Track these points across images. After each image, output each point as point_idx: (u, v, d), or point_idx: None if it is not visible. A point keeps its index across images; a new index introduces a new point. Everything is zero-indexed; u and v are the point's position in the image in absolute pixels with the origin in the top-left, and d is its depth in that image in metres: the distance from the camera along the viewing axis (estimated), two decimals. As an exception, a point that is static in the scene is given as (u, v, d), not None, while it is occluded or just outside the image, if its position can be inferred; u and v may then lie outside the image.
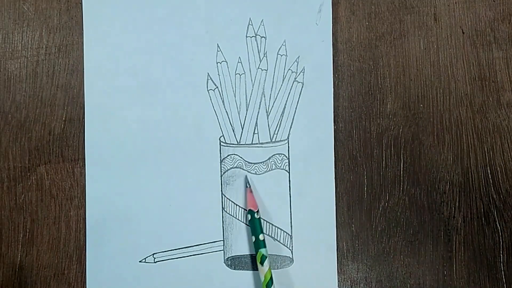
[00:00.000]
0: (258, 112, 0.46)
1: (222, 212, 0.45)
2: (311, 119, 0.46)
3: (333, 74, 0.46)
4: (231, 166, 0.45)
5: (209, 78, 0.46)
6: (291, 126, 0.46)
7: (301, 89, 0.46)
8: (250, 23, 0.46)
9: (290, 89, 0.46)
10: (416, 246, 0.46)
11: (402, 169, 0.46)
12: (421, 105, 0.46)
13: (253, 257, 0.45)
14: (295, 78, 0.46)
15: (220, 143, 0.46)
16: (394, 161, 0.46)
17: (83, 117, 0.46)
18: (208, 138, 0.46)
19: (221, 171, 0.45)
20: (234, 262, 0.45)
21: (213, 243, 0.45)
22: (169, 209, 0.45)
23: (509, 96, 0.46)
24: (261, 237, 0.43)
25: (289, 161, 0.46)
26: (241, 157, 0.45)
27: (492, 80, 0.46)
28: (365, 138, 0.46)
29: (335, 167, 0.45)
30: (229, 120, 0.46)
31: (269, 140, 0.46)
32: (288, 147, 0.46)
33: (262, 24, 0.46)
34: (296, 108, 0.46)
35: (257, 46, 0.46)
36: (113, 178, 0.45)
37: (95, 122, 0.46)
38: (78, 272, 0.45)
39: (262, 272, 0.43)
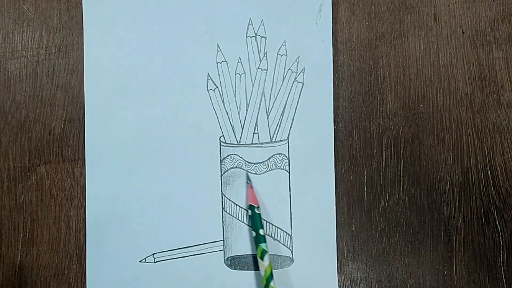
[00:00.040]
0: (258, 112, 0.46)
1: (222, 212, 0.45)
2: (311, 119, 0.46)
3: (333, 74, 0.46)
4: (231, 166, 0.45)
5: (209, 78, 0.46)
6: (291, 126, 0.46)
7: (301, 89, 0.46)
8: (250, 23, 0.46)
9: (290, 89, 0.46)
10: (416, 246, 0.46)
11: (402, 169, 0.46)
12: (421, 105, 0.46)
13: (253, 257, 0.45)
14: (295, 78, 0.46)
15: (220, 143, 0.46)
16: (394, 161, 0.46)
17: (83, 117, 0.46)
18: (208, 138, 0.46)
19: (221, 171, 0.45)
20: (234, 262, 0.45)
21: (213, 243, 0.45)
22: (169, 209, 0.45)
23: (509, 96, 0.46)
24: (261, 232, 0.43)
25: (289, 161, 0.46)
26: (241, 157, 0.45)
27: (492, 80, 0.46)
28: (365, 138, 0.46)
29: (335, 167, 0.45)
30: (229, 120, 0.46)
31: (269, 140, 0.46)
32: (288, 147, 0.46)
33: (262, 24, 0.46)
34: (296, 108, 0.46)
35: (257, 46, 0.46)
36: (113, 178, 0.45)
37: (95, 122, 0.46)
38: (78, 272, 0.45)
39: (263, 266, 0.43)
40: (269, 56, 0.46)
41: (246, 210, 0.45)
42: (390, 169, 0.46)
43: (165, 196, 0.45)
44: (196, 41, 0.46)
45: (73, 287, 0.45)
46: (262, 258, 0.43)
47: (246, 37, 0.46)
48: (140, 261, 0.45)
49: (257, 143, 0.46)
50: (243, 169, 0.45)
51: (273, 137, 0.46)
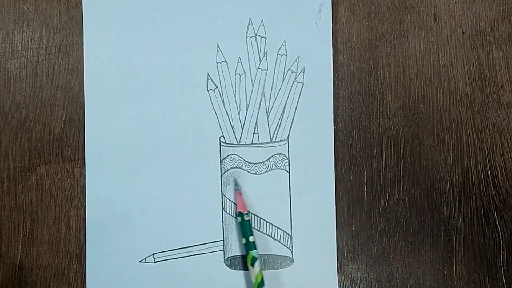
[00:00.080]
0: (258, 112, 0.46)
1: (222, 212, 0.45)
2: (311, 119, 0.46)
3: (333, 74, 0.46)
4: (231, 166, 0.45)
5: (209, 78, 0.46)
6: (291, 126, 0.46)
7: (301, 89, 0.46)
8: (250, 23, 0.46)
9: (290, 89, 0.46)
10: (416, 246, 0.46)
11: (402, 169, 0.46)
12: (421, 105, 0.46)
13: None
14: (295, 78, 0.46)
15: (220, 143, 0.46)
16: (394, 161, 0.46)
17: (83, 117, 0.46)
18: (208, 138, 0.46)
19: (221, 171, 0.45)
20: (234, 262, 0.45)
21: (213, 243, 0.45)
22: (169, 209, 0.45)
23: (509, 96, 0.46)
24: (251, 239, 0.43)
25: (289, 161, 0.46)
26: (241, 157, 0.45)
27: (492, 80, 0.46)
28: (365, 138, 0.46)
29: (335, 167, 0.45)
30: (229, 120, 0.46)
31: (269, 140, 0.46)
32: (288, 147, 0.46)
33: (262, 24, 0.46)
34: (296, 108, 0.46)
35: (257, 46, 0.46)
36: (113, 178, 0.45)
37: (95, 122, 0.46)
38: (78, 272, 0.45)
39: (254, 273, 0.43)
40: (269, 56, 0.46)
41: (236, 218, 0.45)
42: (390, 169, 0.46)
43: (165, 196, 0.45)
44: (196, 41, 0.46)
45: (73, 287, 0.45)
46: (252, 265, 0.43)
47: (246, 37, 0.46)
48: (140, 261, 0.45)
49: (257, 143, 0.46)
50: (243, 169, 0.45)
51: (273, 137, 0.46)
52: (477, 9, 0.47)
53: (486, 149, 0.46)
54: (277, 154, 0.45)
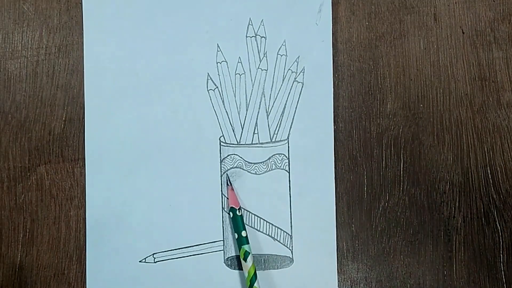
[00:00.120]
0: (258, 112, 0.46)
1: (222, 212, 0.45)
2: (311, 119, 0.46)
3: (333, 74, 0.46)
4: (231, 166, 0.45)
5: (209, 78, 0.46)
6: (291, 126, 0.46)
7: (301, 89, 0.46)
8: (250, 23, 0.46)
9: (290, 89, 0.46)
10: (416, 246, 0.46)
11: (402, 169, 0.46)
12: (421, 105, 0.46)
13: (253, 257, 0.45)
14: (295, 78, 0.46)
15: (220, 143, 0.46)
16: (394, 161, 0.46)
17: (83, 117, 0.46)
18: (208, 138, 0.46)
19: (221, 171, 0.45)
20: (234, 262, 0.45)
21: (213, 243, 0.45)
22: (169, 209, 0.45)
23: (509, 96, 0.46)
24: (243, 233, 0.43)
25: (289, 161, 0.46)
26: (241, 157, 0.45)
27: (492, 80, 0.46)
28: (365, 138, 0.46)
29: (335, 167, 0.45)
30: (229, 120, 0.46)
31: (269, 140, 0.46)
32: (288, 147, 0.46)
33: (262, 24, 0.46)
34: (296, 108, 0.46)
35: (257, 46, 0.46)
36: (113, 178, 0.45)
37: (95, 122, 0.46)
38: (78, 272, 0.45)
39: (246, 268, 0.43)
40: (269, 56, 0.46)
41: (228, 213, 0.45)
42: (390, 169, 0.46)
43: (165, 196, 0.45)
44: (196, 41, 0.46)
45: (73, 287, 0.45)
46: (245, 260, 0.43)
47: (246, 37, 0.46)
48: (140, 261, 0.45)
49: (257, 143, 0.46)
50: (243, 169, 0.45)
51: (273, 137, 0.46)
52: (477, 9, 0.47)
53: (486, 149, 0.46)
54: (277, 154, 0.45)
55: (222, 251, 0.45)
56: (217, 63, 0.46)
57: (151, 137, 0.46)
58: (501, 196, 0.46)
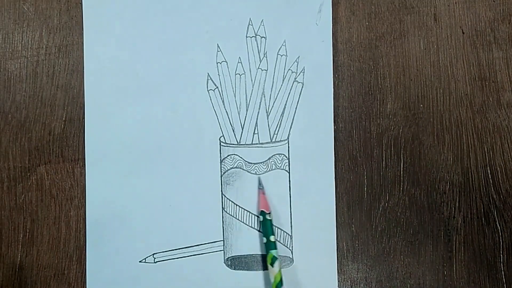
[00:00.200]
0: (258, 112, 0.46)
1: (222, 212, 0.45)
2: (311, 119, 0.46)
3: (333, 74, 0.46)
4: (231, 166, 0.45)
5: (209, 78, 0.46)
6: (291, 126, 0.46)
7: (301, 89, 0.46)
8: (250, 23, 0.46)
9: (290, 89, 0.46)
10: (416, 246, 0.46)
11: (402, 169, 0.46)
12: (421, 105, 0.46)
13: (253, 257, 0.45)
14: (295, 78, 0.46)
15: (220, 143, 0.46)
16: (394, 161, 0.46)
17: (83, 117, 0.46)
18: (208, 138, 0.46)
19: (221, 171, 0.45)
20: (234, 262, 0.45)
21: (213, 243, 0.45)
22: (169, 209, 0.45)
23: (509, 96, 0.46)
24: (272, 238, 0.43)
25: (289, 161, 0.46)
26: (241, 157, 0.45)
27: (492, 80, 0.46)
28: (365, 138, 0.46)
29: (335, 167, 0.45)
30: (229, 120, 0.46)
31: (269, 140, 0.46)
32: (288, 147, 0.46)
33: (262, 24, 0.46)
34: (296, 108, 0.46)
35: (257, 46, 0.46)
36: (113, 178, 0.45)
37: (95, 122, 0.46)
38: (78, 272, 0.45)
39: (273, 273, 0.43)
40: (269, 56, 0.46)
41: (258, 216, 0.45)
42: (390, 169, 0.46)
43: (165, 196, 0.45)
44: (196, 41, 0.46)
45: (73, 287, 0.45)
46: (272, 265, 0.43)
47: (246, 37, 0.46)
48: (140, 261, 0.45)
49: (257, 143, 0.46)
50: (243, 169, 0.45)
51: (273, 137, 0.46)
52: (477, 9, 0.47)
53: (486, 149, 0.46)
54: (277, 154, 0.45)
55: (222, 251, 0.45)
56: (217, 63, 0.46)
57: (151, 137, 0.46)
58: (501, 196, 0.46)
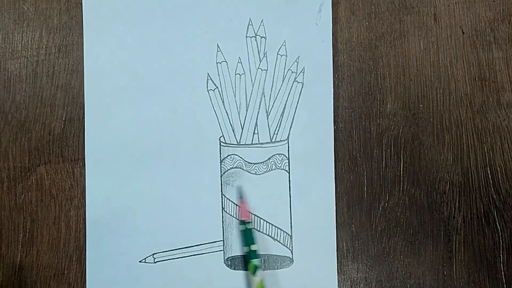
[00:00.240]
0: (258, 112, 0.46)
1: (222, 212, 0.45)
2: (311, 119, 0.46)
3: (333, 74, 0.46)
4: (231, 166, 0.45)
5: (209, 78, 0.46)
6: (291, 126, 0.46)
7: (301, 89, 0.46)
8: (250, 23, 0.46)
9: (290, 89, 0.46)
10: (416, 246, 0.46)
11: (402, 169, 0.46)
12: (421, 105, 0.46)
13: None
14: (295, 78, 0.46)
15: (220, 143, 0.46)
16: (394, 161, 0.46)
17: (83, 117, 0.46)
18: (208, 138, 0.46)
19: (221, 171, 0.45)
20: (234, 262, 0.45)
21: (213, 243, 0.45)
22: (169, 209, 0.45)
23: (509, 96, 0.46)
24: (253, 247, 0.43)
25: (289, 161, 0.46)
26: (241, 157, 0.45)
27: (492, 80, 0.46)
28: (365, 138, 0.46)
29: (335, 167, 0.45)
30: (229, 120, 0.46)
31: (269, 140, 0.46)
32: (288, 147, 0.46)
33: (262, 24, 0.46)
34: (296, 108, 0.46)
35: (257, 46, 0.46)
36: (113, 178, 0.45)
37: (95, 122, 0.46)
38: (78, 272, 0.45)
39: (255, 282, 0.43)
40: (269, 56, 0.46)
41: (238, 223, 0.45)
42: (390, 169, 0.46)
43: (165, 196, 0.45)
44: (196, 41, 0.46)
45: (73, 287, 0.45)
46: (254, 274, 0.43)
47: (246, 37, 0.46)
48: (140, 261, 0.45)
49: (257, 143, 0.46)
50: (243, 169, 0.45)
51: (273, 137, 0.46)
52: (477, 9, 0.47)
53: (486, 149, 0.46)
54: (277, 154, 0.45)
55: (222, 251, 0.45)
56: (217, 63, 0.46)
57: (151, 137, 0.46)
58: (501, 196, 0.46)
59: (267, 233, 0.45)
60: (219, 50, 0.46)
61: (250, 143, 0.45)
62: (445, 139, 0.46)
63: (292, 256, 0.45)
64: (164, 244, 0.45)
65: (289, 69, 0.46)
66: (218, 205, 0.45)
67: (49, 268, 0.45)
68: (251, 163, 0.45)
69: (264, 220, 0.45)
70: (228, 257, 0.45)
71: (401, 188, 0.46)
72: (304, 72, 0.46)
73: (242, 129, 0.46)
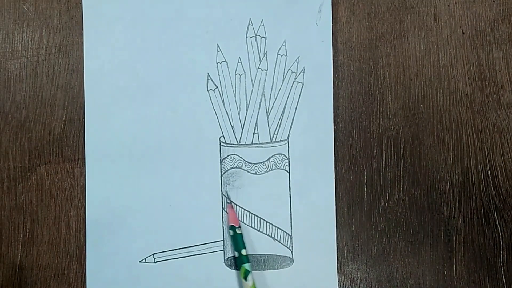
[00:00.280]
0: (258, 112, 0.46)
1: (222, 212, 0.45)
2: (311, 119, 0.46)
3: (333, 74, 0.46)
4: (231, 166, 0.45)
5: (209, 78, 0.46)
6: (291, 126, 0.46)
7: (301, 89, 0.46)
8: (250, 23, 0.46)
9: (290, 89, 0.46)
10: (416, 246, 0.46)
11: (402, 169, 0.46)
12: (421, 105, 0.46)
13: (253, 257, 0.45)
14: (295, 78, 0.46)
15: (220, 143, 0.46)
16: (394, 161, 0.46)
17: (83, 117, 0.46)
18: (208, 138, 0.46)
19: (221, 171, 0.45)
20: (234, 262, 0.45)
21: (213, 243, 0.45)
22: (169, 209, 0.45)
23: (509, 96, 0.46)
24: (243, 252, 0.43)
25: (289, 161, 0.46)
26: (241, 157, 0.45)
27: (492, 80, 0.46)
28: (365, 138, 0.46)
29: (335, 167, 0.45)
30: (229, 120, 0.46)
31: (269, 140, 0.46)
32: (288, 147, 0.46)
33: (262, 24, 0.46)
34: (296, 108, 0.46)
35: (257, 46, 0.46)
36: (113, 178, 0.45)
37: (95, 122, 0.46)
38: (78, 272, 0.45)
39: (247, 287, 0.43)
40: (269, 56, 0.46)
41: (228, 228, 0.45)
42: (390, 169, 0.46)
43: (165, 196, 0.45)
44: (196, 41, 0.46)
45: (73, 287, 0.45)
46: (245, 278, 0.43)
47: (246, 37, 0.46)
48: (140, 261, 0.45)
49: (257, 143, 0.46)
50: (243, 169, 0.45)
51: (273, 137, 0.46)
52: (477, 9, 0.47)
53: (486, 149, 0.46)
54: (277, 154, 0.45)
55: (222, 251, 0.45)
56: (217, 63, 0.46)
57: (151, 137, 0.46)
58: (501, 196, 0.46)
59: (267, 233, 0.45)
60: (219, 50, 0.46)
61: (250, 143, 0.46)
62: (445, 139, 0.46)
63: (292, 256, 0.45)
64: (164, 244, 0.45)
65: (289, 69, 0.46)
66: (218, 205, 0.45)
67: (49, 268, 0.45)
68: (251, 163, 0.45)
69: (264, 220, 0.45)
70: (228, 257, 0.45)
71: (401, 188, 0.46)
72: (304, 72, 0.46)
73: (242, 129, 0.46)
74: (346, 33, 0.46)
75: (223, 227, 0.45)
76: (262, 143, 0.46)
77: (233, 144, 0.45)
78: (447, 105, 0.46)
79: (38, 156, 0.46)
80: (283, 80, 0.46)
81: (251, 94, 0.46)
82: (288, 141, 0.46)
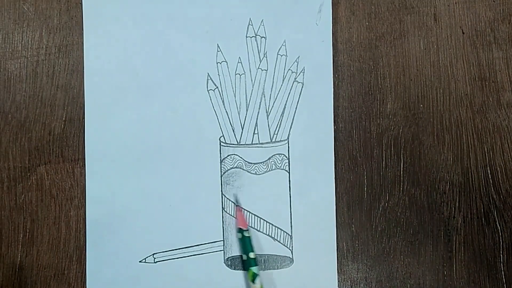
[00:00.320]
0: (258, 112, 0.46)
1: (222, 212, 0.45)
2: (311, 119, 0.46)
3: (333, 74, 0.46)
4: (231, 166, 0.45)
5: (209, 78, 0.46)
6: (291, 126, 0.46)
7: (301, 89, 0.46)
8: (250, 23, 0.46)
9: (290, 89, 0.46)
10: (416, 246, 0.46)
11: (402, 169, 0.46)
12: (421, 105, 0.46)
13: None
14: (295, 78, 0.46)
15: (220, 143, 0.46)
16: (394, 161, 0.46)
17: (83, 117, 0.46)
18: (208, 138, 0.46)
19: (221, 171, 0.45)
20: (234, 262, 0.45)
21: (213, 243, 0.45)
22: (169, 209, 0.45)
23: (509, 96, 0.46)
24: (251, 255, 0.43)
25: (289, 161, 0.46)
26: (241, 157, 0.45)
27: (492, 80, 0.46)
28: (365, 138, 0.46)
29: (335, 167, 0.45)
30: (229, 120, 0.46)
31: (269, 140, 0.46)
32: (288, 147, 0.46)
33: (262, 24, 0.46)
34: (296, 108, 0.46)
35: (257, 46, 0.46)
36: (113, 178, 0.45)
37: (95, 122, 0.46)
38: (78, 272, 0.45)
39: None
40: (269, 56, 0.46)
41: (236, 231, 0.45)
42: (390, 169, 0.46)
43: (165, 196, 0.45)
44: (196, 41, 0.46)
45: (73, 287, 0.45)
46: (253, 281, 0.43)
47: (246, 37, 0.46)
48: (140, 261, 0.45)
49: (257, 143, 0.46)
50: (243, 169, 0.45)
51: (273, 137, 0.46)
52: (477, 9, 0.47)
53: (486, 149, 0.46)
54: (277, 154, 0.45)
55: (222, 251, 0.45)
56: (217, 63, 0.46)
57: (151, 137, 0.46)
58: (501, 196, 0.46)
59: (267, 233, 0.45)
60: (219, 50, 0.46)
61: (250, 143, 0.46)
62: (445, 139, 0.46)
63: (292, 256, 0.45)
64: (164, 244, 0.45)
65: (289, 69, 0.46)
66: (218, 205, 0.45)
67: (49, 268, 0.45)
68: (251, 163, 0.45)
69: (264, 220, 0.45)
70: (228, 257, 0.45)
71: (401, 188, 0.46)
72: (304, 72, 0.46)
73: (242, 129, 0.46)
74: (346, 33, 0.46)
75: (223, 227, 0.45)
76: (262, 143, 0.46)
77: (233, 144, 0.45)
78: (447, 105, 0.46)
79: (38, 156, 0.46)
80: (283, 80, 0.46)
81: (251, 94, 0.46)
82: (288, 141, 0.46)
